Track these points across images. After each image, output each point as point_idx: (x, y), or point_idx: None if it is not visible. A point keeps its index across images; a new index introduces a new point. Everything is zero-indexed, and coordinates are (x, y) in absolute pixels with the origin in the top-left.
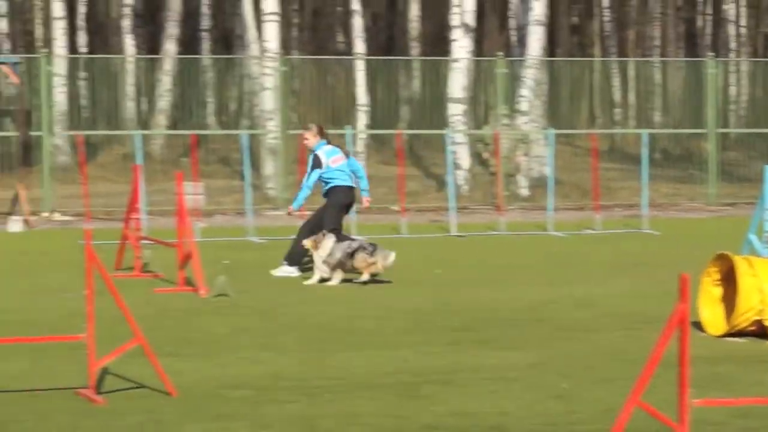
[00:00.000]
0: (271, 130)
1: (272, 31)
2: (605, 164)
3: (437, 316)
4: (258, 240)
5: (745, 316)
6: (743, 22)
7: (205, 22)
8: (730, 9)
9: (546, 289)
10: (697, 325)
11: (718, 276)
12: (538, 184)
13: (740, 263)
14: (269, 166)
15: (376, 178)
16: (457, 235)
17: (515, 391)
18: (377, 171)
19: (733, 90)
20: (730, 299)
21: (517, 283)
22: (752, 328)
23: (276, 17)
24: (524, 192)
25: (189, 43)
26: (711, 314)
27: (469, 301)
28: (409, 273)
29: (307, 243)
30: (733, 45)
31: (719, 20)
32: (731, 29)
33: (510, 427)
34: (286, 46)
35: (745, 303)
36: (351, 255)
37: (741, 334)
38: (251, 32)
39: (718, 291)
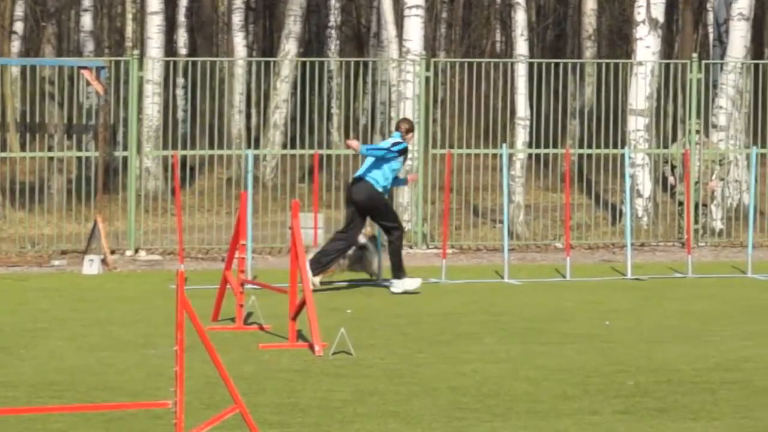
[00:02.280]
0: (410, 149)
1: (415, 28)
2: None
3: (606, 379)
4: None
5: None
6: None
7: (334, 18)
8: None
9: (743, 344)
10: None
11: None
12: (736, 216)
13: None
14: (405, 194)
15: (536, 207)
16: (635, 278)
17: None
18: (538, 198)
19: None
20: None
21: (707, 337)
22: None
23: (420, 11)
24: (718, 225)
25: (312, 43)
26: None
27: (646, 360)
28: (573, 324)
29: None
30: None
31: None
32: None
33: None
34: (431, 46)
35: None
36: None
37: None
38: (389, 29)
39: None
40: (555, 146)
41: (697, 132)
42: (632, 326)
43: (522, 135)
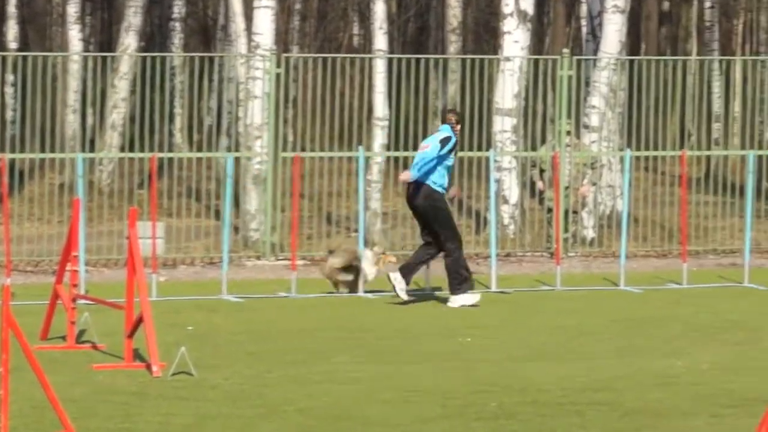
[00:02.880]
0: (259, 152)
1: (265, 21)
2: (698, 196)
3: (467, 400)
4: (234, 299)
5: None
6: None
7: (177, 9)
8: None
9: (614, 362)
10: None
11: None
12: (609, 224)
13: None
14: (253, 201)
15: (394, 215)
16: (499, 291)
17: None
18: (397, 205)
19: None
20: None
21: (576, 354)
22: None
23: (271, 2)
24: (590, 234)
25: (154, 37)
26: None
27: (510, 379)
28: (433, 342)
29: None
30: None
31: None
32: None
33: None
34: (283, 40)
35: None
36: None
37: None
38: (238, 22)
39: None
40: (416, 149)
41: (568, 133)
42: (496, 343)
43: (380, 136)
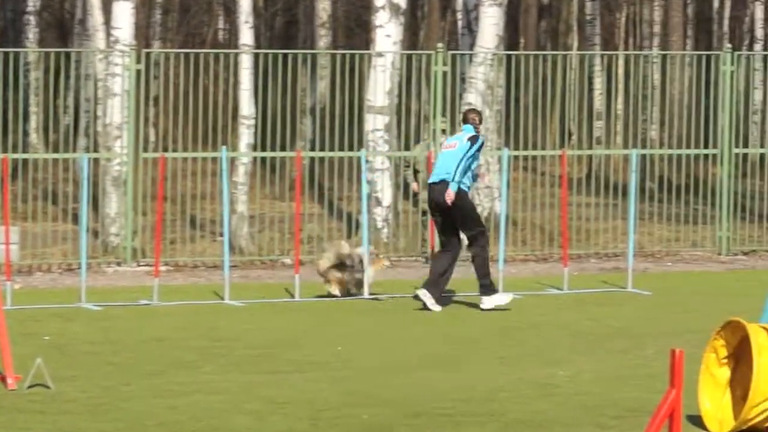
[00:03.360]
0: (119, 153)
1: (124, 15)
2: (580, 198)
3: (339, 412)
4: (93, 307)
5: (760, 407)
6: None
7: (32, 2)
8: None
9: (495, 371)
10: (696, 420)
11: (726, 352)
12: (487, 227)
13: (756, 334)
14: (113, 204)
15: (262, 218)
16: (372, 297)
17: None
18: (264, 208)
19: (758, 94)
20: (741, 384)
21: (455, 364)
22: None
23: None
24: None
25: (8, 31)
26: (714, 405)
27: (385, 391)
28: (304, 351)
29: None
30: (759, 33)
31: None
32: (759, 11)
33: None
34: (144, 35)
35: (761, 389)
36: None
37: (755, 431)
38: (95, 16)
39: (725, 373)
40: (284, 149)
41: (443, 132)
42: (369, 352)
43: (246, 136)
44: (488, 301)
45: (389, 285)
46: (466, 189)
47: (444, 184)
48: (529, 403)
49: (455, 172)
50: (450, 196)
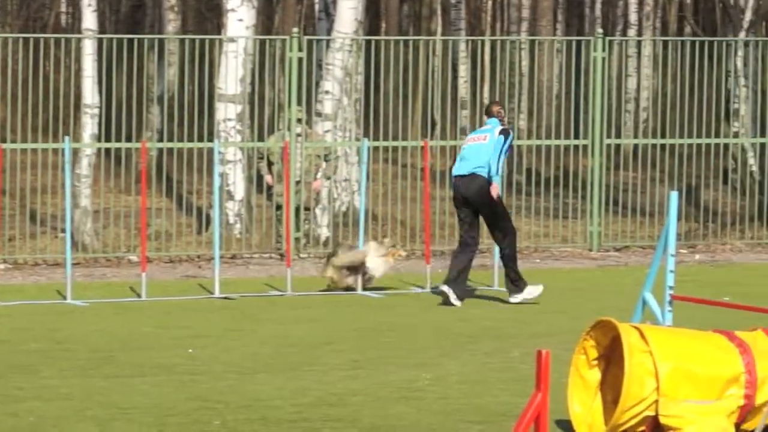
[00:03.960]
0: None
1: None
2: (444, 191)
3: (187, 417)
4: None
5: (632, 411)
6: None
7: None
8: None
9: (352, 374)
10: (565, 425)
11: (596, 353)
12: (345, 221)
13: (628, 334)
14: None
15: (107, 213)
16: (224, 297)
17: None
18: (109, 202)
19: (631, 82)
20: (612, 387)
21: (309, 366)
22: (642, 428)
23: None
24: (324, 233)
25: None
26: (584, 409)
27: (236, 395)
28: (150, 353)
29: None
30: (633, 18)
31: None
32: None
33: None
34: None
35: (633, 392)
36: None
37: None
38: None
39: (595, 375)
40: (130, 139)
41: (299, 121)
42: (220, 354)
43: (90, 126)
44: (519, 296)
45: (241, 283)
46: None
47: (474, 177)
48: (386, 407)
49: (496, 165)
50: (495, 190)
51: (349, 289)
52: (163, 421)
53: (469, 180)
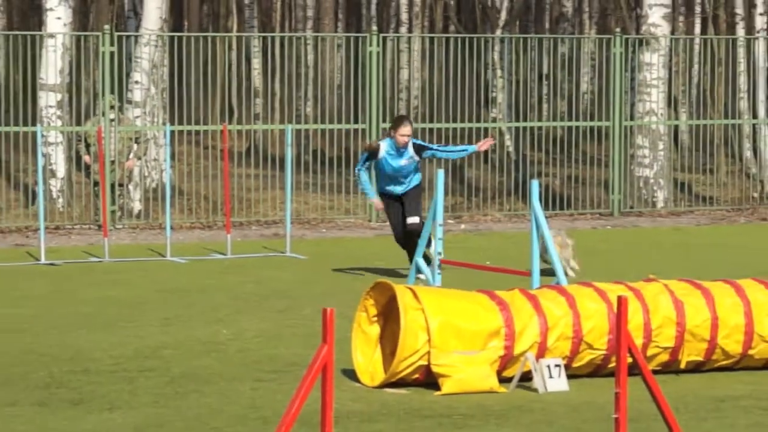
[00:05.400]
0: None
1: None
2: (242, 170)
3: (20, 369)
4: None
5: (408, 361)
6: None
7: None
8: None
9: (161, 330)
10: (349, 373)
11: (375, 311)
12: (155, 196)
13: (402, 294)
14: None
15: None
16: (49, 263)
17: None
18: None
19: (404, 74)
20: (390, 340)
21: (125, 324)
22: (417, 376)
23: None
24: (137, 206)
25: None
26: (366, 359)
27: (59, 349)
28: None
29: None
30: (404, 17)
31: None
32: None
33: None
34: None
35: (408, 345)
36: None
37: (403, 383)
38: None
39: (375, 330)
40: None
41: (112, 108)
42: (44, 313)
43: None
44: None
45: (64, 251)
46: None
47: None
48: (193, 359)
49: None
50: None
51: None
52: None
53: None
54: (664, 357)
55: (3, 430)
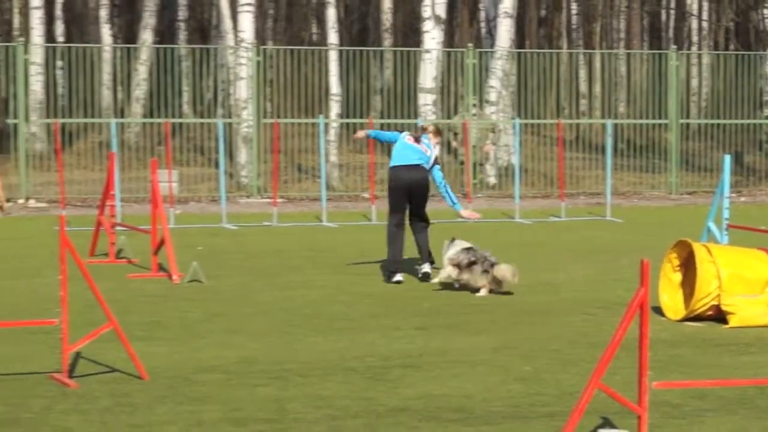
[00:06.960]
0: (246, 119)
1: (247, 22)
2: (571, 154)
3: (406, 302)
4: (231, 227)
5: (703, 302)
6: (705, 15)
7: (182, 13)
8: (693, 3)
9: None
10: (657, 310)
11: (677, 262)
12: (506, 173)
13: (699, 250)
14: (243, 155)
15: (347, 166)
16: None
17: (480, 375)
18: (349, 159)
19: (694, 82)
20: (689, 285)
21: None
22: (710, 312)
23: (251, 8)
24: (492, 180)
25: (165, 33)
26: (671, 299)
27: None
28: (377, 259)
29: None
30: (695, 38)
31: (682, 14)
32: (694, 23)
33: (474, 409)
34: (260, 36)
35: (703, 289)
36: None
37: (699, 318)
38: (226, 22)
39: (677, 277)
40: (362, 117)
41: (474, 106)
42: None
43: (335, 108)
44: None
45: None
46: None
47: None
48: (537, 296)
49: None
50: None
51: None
52: (388, 303)
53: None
54: None
55: (389, 346)
